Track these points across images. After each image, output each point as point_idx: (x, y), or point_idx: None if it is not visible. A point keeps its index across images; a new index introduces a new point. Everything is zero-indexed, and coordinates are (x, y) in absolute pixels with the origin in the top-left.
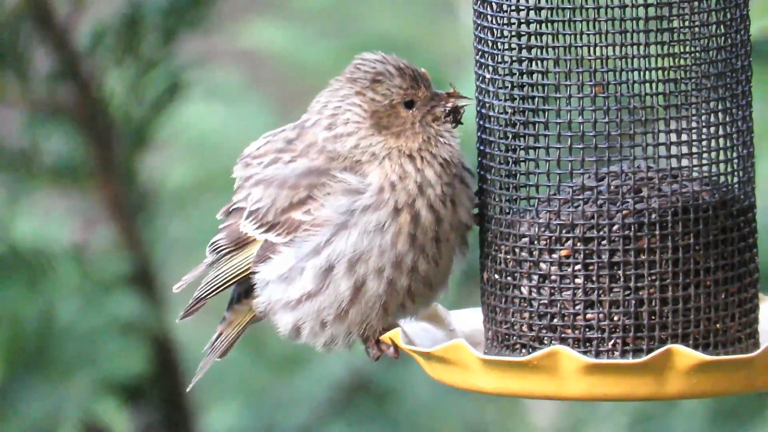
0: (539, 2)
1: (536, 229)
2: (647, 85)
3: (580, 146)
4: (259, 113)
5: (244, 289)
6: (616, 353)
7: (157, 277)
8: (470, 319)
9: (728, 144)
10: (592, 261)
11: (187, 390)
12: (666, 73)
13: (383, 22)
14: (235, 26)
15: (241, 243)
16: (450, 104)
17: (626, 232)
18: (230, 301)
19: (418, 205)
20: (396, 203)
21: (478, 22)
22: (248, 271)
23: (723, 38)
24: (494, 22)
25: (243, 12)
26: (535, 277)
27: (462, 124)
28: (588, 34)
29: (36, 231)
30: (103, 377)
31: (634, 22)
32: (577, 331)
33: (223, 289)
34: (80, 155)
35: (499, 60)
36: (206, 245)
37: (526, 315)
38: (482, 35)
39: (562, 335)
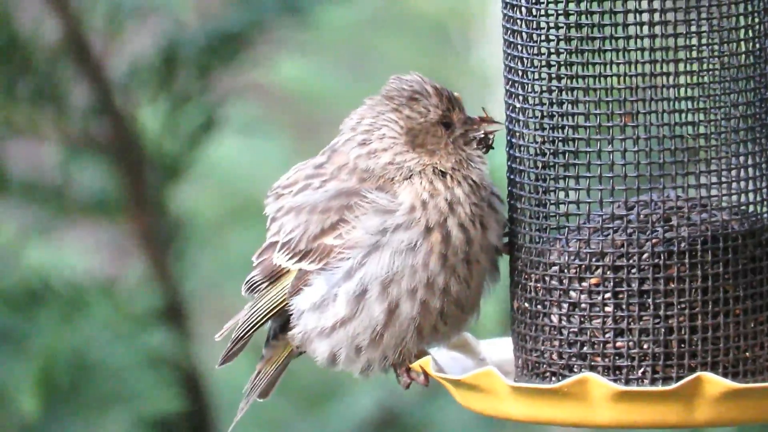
0: (569, 32)
1: (566, 257)
2: (676, 114)
3: (610, 175)
4: (280, 147)
5: (279, 324)
6: (646, 381)
7: (186, 311)
8: (500, 347)
9: (757, 173)
10: (622, 289)
11: (229, 430)
12: (695, 102)
13: (399, 54)
14: (264, 62)
15: (275, 276)
16: (483, 129)
17: (656, 261)
18: (267, 337)
19: (449, 224)
20: (428, 222)
21: (508, 51)
22: (284, 303)
23: (752, 68)
24: (524, 51)
25: (270, 48)
26: (565, 306)
27: (493, 149)
28: (617, 64)
29: (69, 265)
30: (137, 413)
31: (664, 51)
32: (606, 359)
33: (260, 325)
34: (113, 188)
35: (529, 89)
36: (235, 279)
37: (556, 343)
38: (512, 65)
39: (592, 363)
